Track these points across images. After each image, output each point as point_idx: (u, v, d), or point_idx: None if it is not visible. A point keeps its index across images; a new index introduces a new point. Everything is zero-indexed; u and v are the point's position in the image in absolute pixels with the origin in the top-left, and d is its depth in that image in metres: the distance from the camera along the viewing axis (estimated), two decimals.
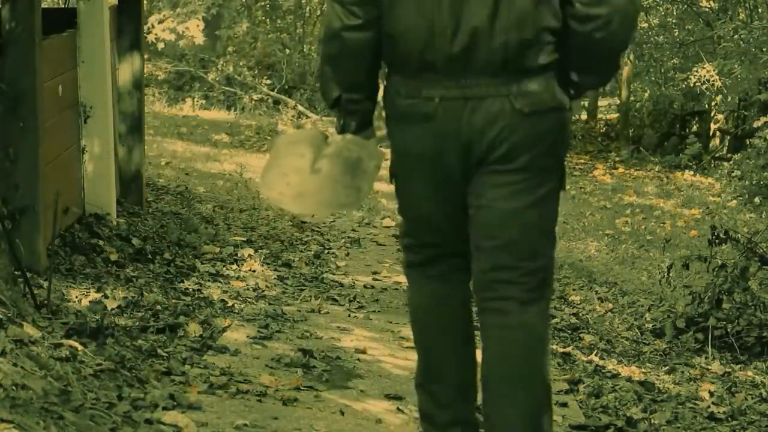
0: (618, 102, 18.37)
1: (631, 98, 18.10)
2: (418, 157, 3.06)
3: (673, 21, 17.76)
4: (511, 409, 3.07)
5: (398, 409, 4.20)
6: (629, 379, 5.21)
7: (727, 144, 16.41)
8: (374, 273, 7.11)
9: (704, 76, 14.10)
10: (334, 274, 6.91)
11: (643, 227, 10.89)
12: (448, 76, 2.98)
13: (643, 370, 5.49)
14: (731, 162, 11.81)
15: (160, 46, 17.31)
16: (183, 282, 5.91)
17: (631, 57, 17.31)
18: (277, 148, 3.13)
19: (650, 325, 6.51)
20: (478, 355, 3.27)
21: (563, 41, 2.98)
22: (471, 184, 3.06)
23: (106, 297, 5.20)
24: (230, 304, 5.61)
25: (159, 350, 4.44)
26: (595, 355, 5.65)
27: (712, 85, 14.12)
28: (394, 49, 3.04)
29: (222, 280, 6.14)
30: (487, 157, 3.00)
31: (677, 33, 17.46)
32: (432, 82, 3.00)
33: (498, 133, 2.98)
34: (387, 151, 3.20)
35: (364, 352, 5.01)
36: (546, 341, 3.12)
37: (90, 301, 5.05)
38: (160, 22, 17.34)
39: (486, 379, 3.13)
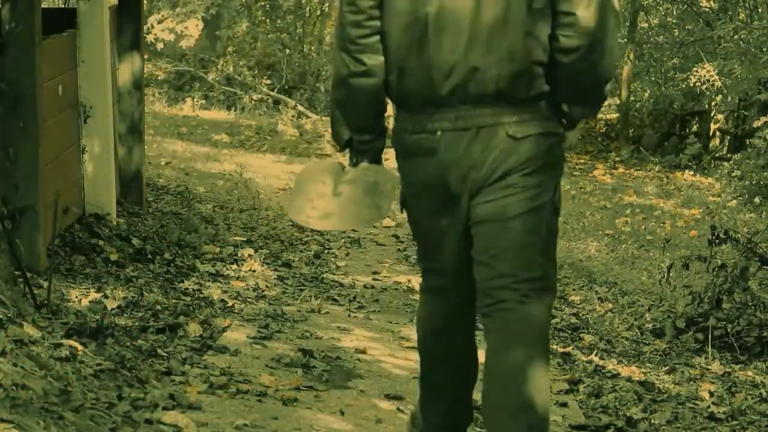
0: (618, 102, 18.36)
1: (631, 98, 18.09)
2: (424, 186, 3.27)
3: (673, 21, 17.77)
4: (508, 398, 3.19)
5: (398, 409, 4.20)
6: (629, 379, 5.21)
7: (727, 144, 16.41)
8: (374, 273, 7.11)
9: (704, 76, 14.11)
10: (334, 274, 6.91)
11: (643, 227, 10.89)
12: (448, 109, 3.20)
13: (643, 370, 5.49)
14: (731, 162, 11.80)
15: (160, 46, 17.31)
16: (183, 282, 5.91)
17: (631, 57, 17.31)
18: (300, 179, 3.37)
19: (650, 325, 6.51)
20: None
21: (552, 75, 3.20)
22: (473, 215, 3.26)
23: (106, 297, 5.20)
24: (230, 304, 5.61)
25: (159, 350, 4.44)
26: (595, 355, 5.65)
27: (712, 85, 14.13)
28: (399, 87, 3.25)
29: (222, 280, 6.14)
30: (485, 182, 3.21)
31: (677, 33, 17.46)
32: (434, 115, 3.21)
33: (493, 160, 3.19)
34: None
35: (364, 352, 5.01)
36: (545, 336, 3.27)
37: (90, 301, 5.05)
38: (160, 22, 17.34)
39: (486, 371, 3.25)
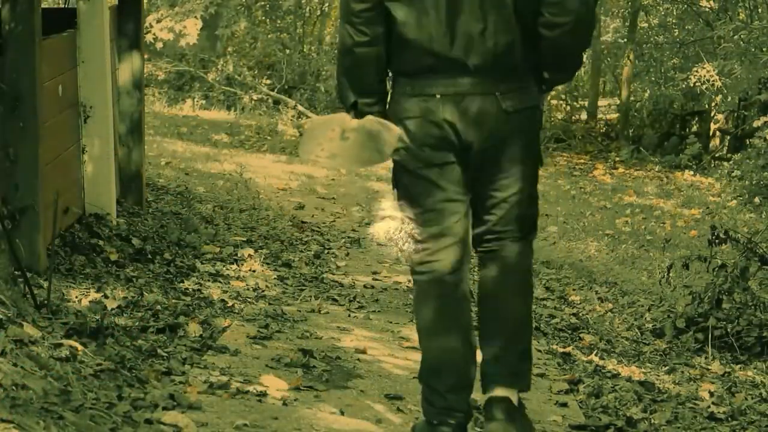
0: (618, 102, 18.35)
1: (631, 98, 18.08)
2: (421, 144, 3.59)
3: (673, 21, 17.77)
4: (499, 309, 3.68)
5: (398, 409, 4.20)
6: (629, 379, 5.22)
7: (727, 144, 16.41)
8: (374, 273, 7.11)
9: (704, 76, 14.10)
10: (334, 274, 6.91)
11: (643, 227, 10.89)
12: (447, 76, 3.54)
13: (643, 370, 5.49)
14: (731, 162, 11.80)
15: (159, 45, 17.29)
16: (183, 282, 5.91)
17: (631, 57, 17.30)
18: (311, 127, 3.71)
19: (650, 325, 6.51)
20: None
21: (537, 46, 3.57)
22: (470, 175, 3.63)
23: (106, 297, 5.20)
24: (230, 304, 5.61)
25: (159, 350, 4.44)
26: (595, 355, 5.65)
27: (712, 85, 14.12)
28: (402, 56, 3.59)
29: (222, 280, 6.14)
30: (477, 146, 3.57)
31: (677, 33, 17.45)
32: (433, 80, 3.55)
33: (489, 129, 3.56)
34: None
35: (364, 352, 5.01)
36: (530, 267, 3.78)
37: (90, 301, 5.05)
38: (158, 21, 17.32)
39: (483, 295, 3.71)
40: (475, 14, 3.50)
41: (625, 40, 17.77)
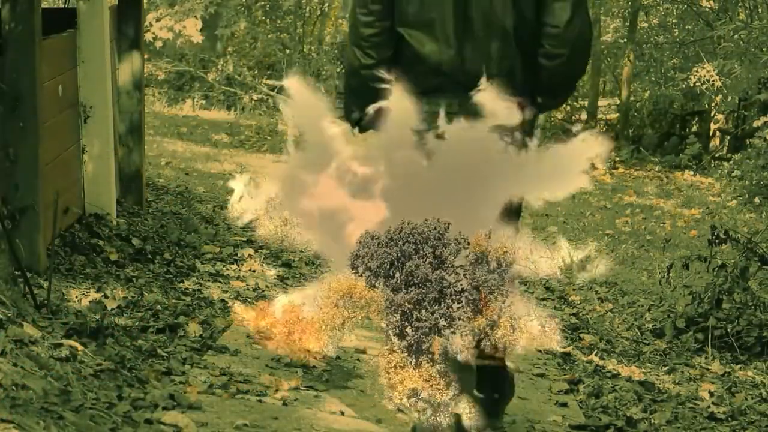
0: (618, 102, 18.36)
1: (631, 98, 18.09)
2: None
3: (673, 21, 17.77)
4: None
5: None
6: (629, 379, 5.21)
7: (727, 144, 16.41)
8: None
9: (704, 76, 14.09)
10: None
11: (643, 227, 10.89)
12: (452, 95, 3.75)
13: (643, 370, 5.49)
14: (731, 162, 11.81)
15: (158, 44, 17.29)
16: (183, 282, 5.91)
17: (631, 57, 17.30)
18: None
19: (650, 325, 6.51)
20: None
21: (534, 72, 3.79)
22: None
23: (106, 297, 5.20)
24: (230, 304, 5.61)
25: (159, 350, 4.44)
26: (595, 355, 5.65)
27: (712, 85, 14.12)
28: (411, 76, 3.70)
29: (222, 280, 6.13)
30: None
31: (677, 33, 17.46)
32: (441, 99, 3.73)
33: None
34: None
35: (364, 352, 5.01)
36: None
37: (90, 301, 5.05)
38: (158, 20, 17.32)
39: None
40: (481, 41, 3.74)
41: (625, 40, 17.78)
